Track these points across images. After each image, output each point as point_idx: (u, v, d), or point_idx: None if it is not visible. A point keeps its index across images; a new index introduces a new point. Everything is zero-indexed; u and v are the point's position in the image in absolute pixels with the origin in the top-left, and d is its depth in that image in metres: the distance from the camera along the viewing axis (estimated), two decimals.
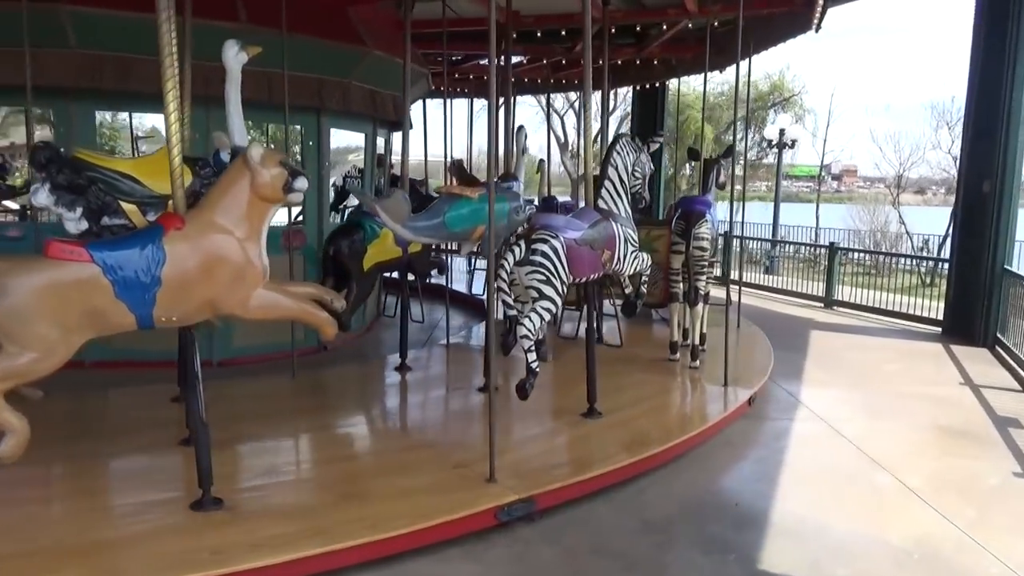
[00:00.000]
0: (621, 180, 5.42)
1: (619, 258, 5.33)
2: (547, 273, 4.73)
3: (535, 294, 4.74)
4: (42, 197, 4.20)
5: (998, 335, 8.79)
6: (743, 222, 12.24)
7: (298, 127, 8.03)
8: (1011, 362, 8.07)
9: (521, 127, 6.73)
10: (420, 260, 6.66)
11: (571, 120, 26.41)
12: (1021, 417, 6.35)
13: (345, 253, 5.98)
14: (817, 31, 8.53)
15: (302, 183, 3.68)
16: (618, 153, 5.42)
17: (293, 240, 6.95)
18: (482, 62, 12.02)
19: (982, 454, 5.49)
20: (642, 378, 6.60)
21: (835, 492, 4.79)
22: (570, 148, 23.67)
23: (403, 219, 5.08)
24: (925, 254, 18.07)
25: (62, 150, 4.59)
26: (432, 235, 5.32)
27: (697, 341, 6.93)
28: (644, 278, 5.71)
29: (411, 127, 10.48)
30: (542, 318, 4.73)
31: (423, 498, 3.98)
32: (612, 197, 5.38)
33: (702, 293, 6.79)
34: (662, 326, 8.41)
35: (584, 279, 5.10)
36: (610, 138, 6.36)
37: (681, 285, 6.98)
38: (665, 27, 9.21)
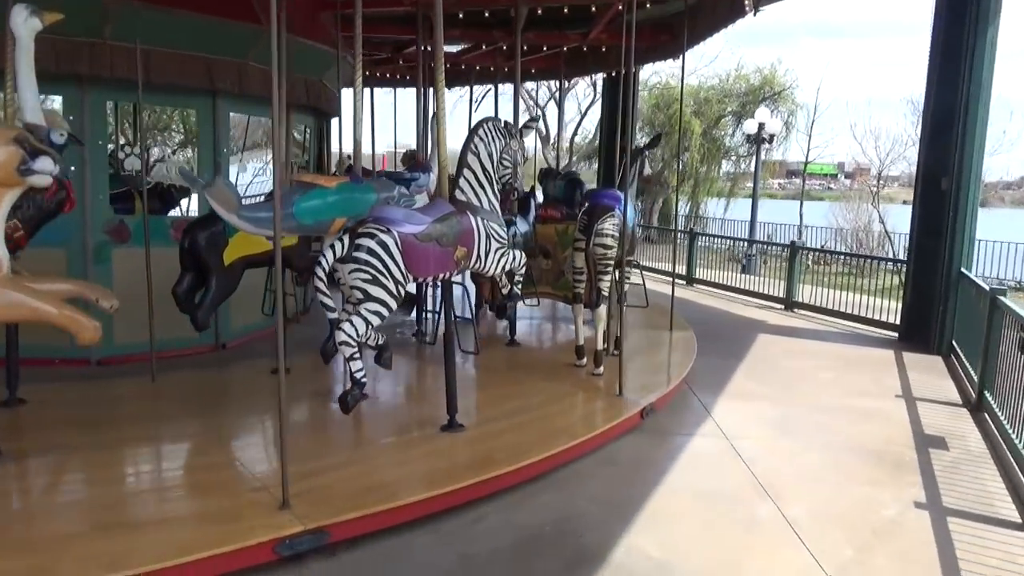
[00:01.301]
0: (484, 170, 4.87)
1: (479, 255, 4.79)
2: (373, 272, 4.20)
3: (359, 295, 4.22)
4: None
5: (953, 342, 8.15)
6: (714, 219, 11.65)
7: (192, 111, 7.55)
8: (960, 373, 7.44)
9: (535, 117, 6.02)
10: (297, 255, 6.10)
11: (553, 112, 25.78)
12: (949, 436, 5.74)
13: (202, 245, 5.50)
14: (755, 15, 7.92)
15: (44, 164, 3.22)
16: (481, 139, 4.87)
17: (116, 234, 6.60)
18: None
19: (888, 479, 4.90)
20: (537, 386, 6.05)
21: (703, 524, 4.23)
22: (551, 141, 23.03)
23: (234, 208, 4.56)
24: (889, 255, 17.24)
25: None
26: (260, 227, 4.67)
27: (599, 346, 6.37)
28: (518, 277, 5.16)
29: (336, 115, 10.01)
30: (367, 322, 4.20)
31: (192, 528, 3.48)
32: (473, 188, 4.83)
33: (604, 294, 6.22)
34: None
35: (430, 278, 4.57)
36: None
37: (584, 285, 6.43)
38: (595, 10, 8.61)
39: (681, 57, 8.98)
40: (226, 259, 5.58)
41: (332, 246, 4.21)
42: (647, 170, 7.16)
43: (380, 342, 4.62)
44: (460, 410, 4.97)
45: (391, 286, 4.25)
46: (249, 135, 10.09)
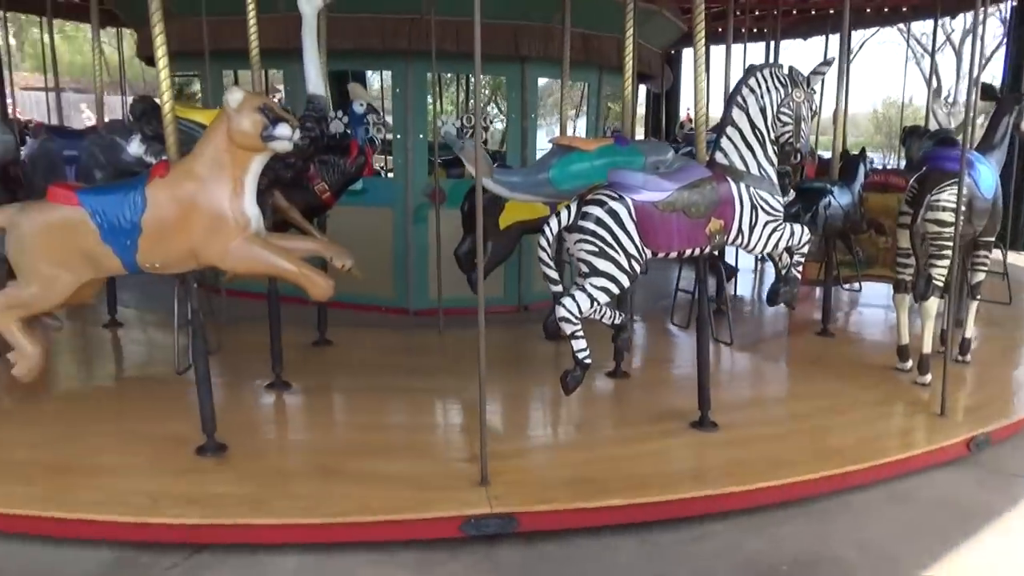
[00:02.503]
0: (754, 127, 4.06)
1: (740, 229, 4.05)
2: (600, 243, 3.77)
3: (584, 268, 3.83)
4: (134, 147, 4.60)
5: None
6: None
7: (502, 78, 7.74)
8: None
9: (828, 61, 5.00)
10: None
11: (947, 59, 21.27)
12: None
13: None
14: None
15: (283, 130, 3.40)
16: (751, 91, 4.06)
17: (432, 197, 6.77)
18: None
19: None
20: (828, 388, 5.05)
21: None
22: (944, 94, 19.16)
23: (487, 171, 4.48)
24: None
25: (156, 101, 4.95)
26: (533, 192, 4.57)
27: (926, 349, 5.07)
28: (798, 257, 4.27)
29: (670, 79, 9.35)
30: (592, 298, 3.80)
31: (387, 489, 3.51)
32: (737, 149, 4.07)
33: (936, 284, 4.90)
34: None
35: (673, 253, 3.98)
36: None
37: (909, 270, 5.14)
38: None
39: None
40: (501, 223, 5.59)
41: (558, 213, 3.89)
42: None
43: (617, 320, 4.19)
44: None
45: (621, 260, 3.79)
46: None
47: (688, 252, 4.03)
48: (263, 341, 4.83)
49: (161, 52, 3.60)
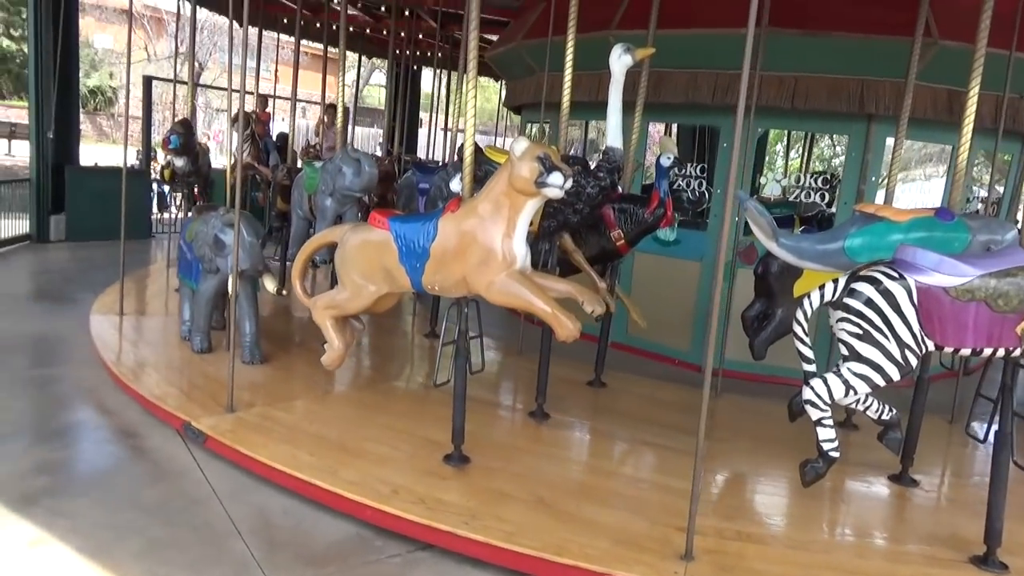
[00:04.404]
0: None
1: None
2: (866, 326, 3.31)
3: (845, 351, 3.40)
4: (455, 184, 5.15)
5: None
6: None
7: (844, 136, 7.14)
8: None
9: None
10: None
11: None
12: None
13: (773, 273, 5.30)
14: None
15: (556, 179, 3.65)
16: None
17: (745, 256, 6.56)
18: None
19: None
20: None
21: None
22: None
23: (770, 234, 4.26)
24: None
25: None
26: (822, 262, 4.25)
27: None
28: None
29: None
30: (848, 386, 3.35)
31: (588, 536, 3.50)
32: None
33: None
34: None
35: (965, 349, 3.31)
36: None
37: None
38: None
39: None
40: (796, 291, 5.24)
41: (823, 286, 3.51)
42: None
43: (886, 416, 3.62)
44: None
45: (891, 348, 3.27)
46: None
47: (990, 352, 3.34)
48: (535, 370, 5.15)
49: (471, 106, 4.12)
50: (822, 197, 7.18)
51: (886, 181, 5.96)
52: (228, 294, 5.25)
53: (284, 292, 6.03)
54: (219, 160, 14.93)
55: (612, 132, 4.68)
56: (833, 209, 7.41)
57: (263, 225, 6.68)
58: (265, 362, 5.70)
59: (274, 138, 10.88)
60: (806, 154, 12.82)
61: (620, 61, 4.58)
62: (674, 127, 11.01)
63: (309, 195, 6.81)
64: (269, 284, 5.38)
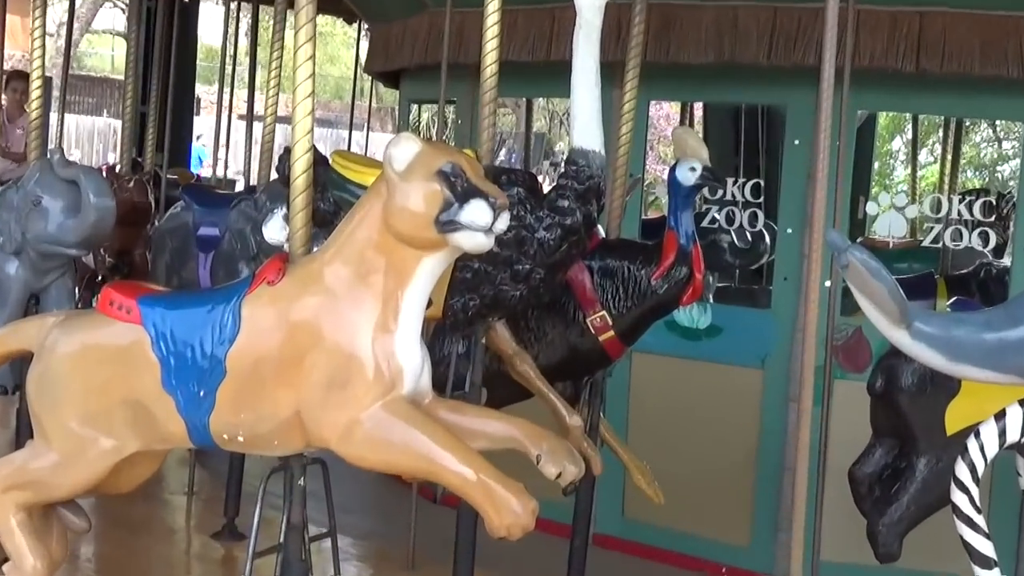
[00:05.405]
0: None
1: None
2: None
3: None
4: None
5: None
6: None
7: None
8: None
9: None
10: None
11: None
12: None
13: (904, 386, 3.04)
14: None
15: (476, 212, 1.91)
16: None
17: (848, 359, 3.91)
18: None
19: None
20: None
21: None
22: None
23: (898, 315, 2.18)
24: None
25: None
26: (994, 366, 2.22)
27: None
28: None
29: None
30: None
31: None
32: None
33: None
34: None
35: None
36: None
37: None
38: None
39: None
40: (949, 424, 2.97)
41: (1003, 413, 2.15)
42: None
43: None
44: None
45: None
46: None
47: None
48: None
49: (304, 72, 2.16)
50: (984, 238, 4.23)
51: None
52: None
53: None
54: None
55: (583, 122, 2.81)
56: (1006, 260, 4.80)
57: None
58: None
59: None
60: (949, 158, 7.95)
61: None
62: (698, 111, 7.15)
63: None
64: None
